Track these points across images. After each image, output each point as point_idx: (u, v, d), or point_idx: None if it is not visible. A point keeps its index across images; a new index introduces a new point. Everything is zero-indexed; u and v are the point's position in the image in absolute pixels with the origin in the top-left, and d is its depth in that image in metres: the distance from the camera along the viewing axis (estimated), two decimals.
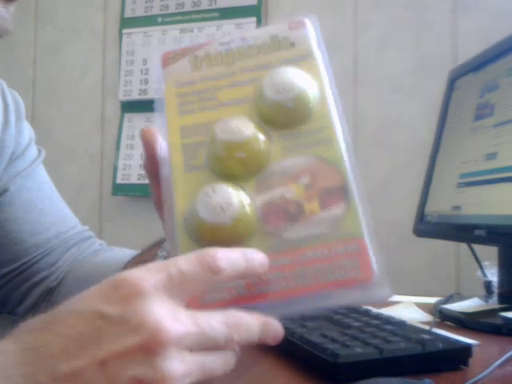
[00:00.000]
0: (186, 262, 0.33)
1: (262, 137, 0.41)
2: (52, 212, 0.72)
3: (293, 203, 0.39)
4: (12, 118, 0.71)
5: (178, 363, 0.30)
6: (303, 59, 0.45)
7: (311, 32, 0.47)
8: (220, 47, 0.46)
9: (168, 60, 0.47)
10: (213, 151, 0.41)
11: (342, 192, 0.39)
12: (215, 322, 0.32)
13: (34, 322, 0.32)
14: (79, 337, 0.30)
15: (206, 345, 0.32)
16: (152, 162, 0.46)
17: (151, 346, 0.29)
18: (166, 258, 0.59)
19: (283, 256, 0.37)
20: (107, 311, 0.30)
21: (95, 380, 0.29)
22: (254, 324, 0.34)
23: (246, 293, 0.36)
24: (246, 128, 0.41)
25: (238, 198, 0.38)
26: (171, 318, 0.30)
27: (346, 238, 0.38)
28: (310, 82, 0.43)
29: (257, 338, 0.34)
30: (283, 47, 0.45)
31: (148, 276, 0.32)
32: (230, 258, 0.34)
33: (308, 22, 0.47)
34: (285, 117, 0.42)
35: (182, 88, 0.45)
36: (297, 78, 0.43)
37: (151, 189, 0.49)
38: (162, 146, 0.45)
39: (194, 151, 0.42)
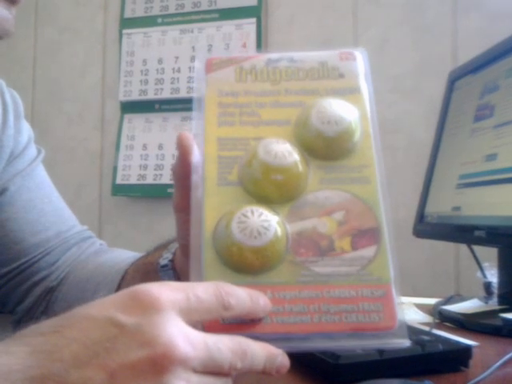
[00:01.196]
0: (203, 289, 0.33)
1: (302, 165, 0.41)
2: (52, 211, 0.72)
3: (325, 237, 0.39)
4: (11, 117, 0.71)
5: (183, 383, 0.30)
6: (350, 92, 0.45)
7: (360, 65, 0.46)
8: (267, 63, 0.46)
9: (212, 66, 0.46)
10: (251, 170, 0.40)
11: (374, 235, 0.39)
12: (224, 347, 0.32)
13: (46, 324, 0.31)
14: (91, 344, 0.29)
15: (210, 368, 0.32)
16: (183, 166, 0.45)
17: (162, 362, 0.29)
18: (170, 260, 0.59)
19: (310, 289, 0.37)
20: (122, 320, 0.30)
21: None
22: (260, 354, 0.34)
23: (267, 320, 0.36)
24: (290, 154, 0.40)
25: (274, 224, 0.38)
26: (184, 338, 0.30)
27: (374, 282, 0.37)
28: (357, 117, 0.43)
29: (261, 368, 0.34)
30: (332, 77, 0.45)
31: (167, 292, 0.32)
32: (239, 296, 0.34)
33: (358, 55, 0.47)
34: (327, 148, 0.42)
35: (224, 98, 0.44)
36: (346, 111, 0.42)
37: (175, 192, 0.48)
38: (195, 152, 0.44)
39: (230, 165, 0.41)
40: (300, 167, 0.40)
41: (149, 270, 0.60)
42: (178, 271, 0.57)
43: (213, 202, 0.40)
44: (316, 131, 0.42)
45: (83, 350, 0.29)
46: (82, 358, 0.29)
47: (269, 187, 0.40)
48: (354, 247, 0.38)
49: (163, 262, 0.58)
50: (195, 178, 0.43)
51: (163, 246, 0.61)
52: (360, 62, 0.46)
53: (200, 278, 0.37)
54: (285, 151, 0.40)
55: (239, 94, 0.44)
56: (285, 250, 0.38)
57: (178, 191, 0.47)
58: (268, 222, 0.37)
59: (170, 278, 0.57)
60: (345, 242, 0.38)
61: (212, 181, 0.41)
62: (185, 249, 0.52)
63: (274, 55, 0.46)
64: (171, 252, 0.59)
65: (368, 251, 0.38)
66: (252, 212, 0.38)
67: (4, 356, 0.29)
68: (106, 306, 0.31)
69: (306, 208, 0.40)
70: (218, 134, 0.42)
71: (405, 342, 0.36)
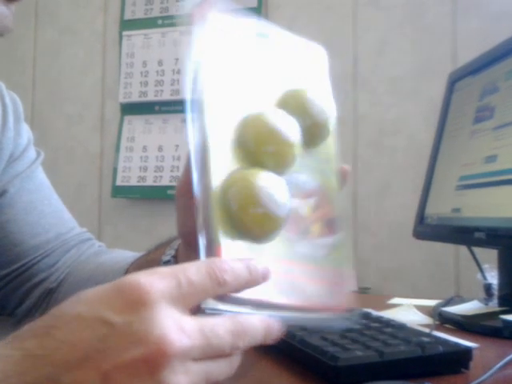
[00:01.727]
0: (195, 270, 0.32)
1: (298, 143, 0.41)
2: (51, 213, 0.72)
3: (303, 220, 0.41)
4: (10, 119, 0.71)
5: (182, 376, 0.30)
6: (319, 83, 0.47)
7: (323, 60, 0.50)
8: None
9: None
10: (250, 136, 0.40)
11: (335, 225, 0.42)
12: (222, 331, 0.32)
13: (37, 324, 0.31)
14: (82, 345, 0.29)
15: (211, 354, 0.32)
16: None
17: (156, 359, 0.29)
18: (173, 256, 0.58)
19: (292, 265, 0.39)
20: (112, 319, 0.29)
21: None
22: (259, 329, 0.34)
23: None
24: (292, 128, 0.41)
25: (289, 196, 0.39)
26: (177, 330, 0.30)
27: (336, 267, 0.41)
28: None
29: (260, 341, 0.34)
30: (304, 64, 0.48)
31: (156, 282, 0.31)
32: (235, 270, 0.34)
33: (322, 50, 0.51)
34: (310, 135, 0.43)
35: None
36: (328, 103, 0.45)
37: (181, 175, 0.49)
38: None
39: (228, 127, 0.40)
40: (297, 144, 0.41)
41: (151, 266, 0.60)
42: None
43: (216, 162, 0.39)
44: (308, 117, 0.43)
45: (74, 352, 0.29)
46: (74, 360, 0.29)
47: (264, 156, 0.40)
48: (322, 233, 0.42)
49: (166, 258, 0.58)
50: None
51: (165, 244, 0.61)
52: (322, 57, 0.50)
53: (210, 232, 0.36)
54: (289, 124, 0.41)
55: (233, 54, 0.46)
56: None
57: (185, 175, 0.48)
58: (287, 192, 0.38)
59: None
60: (316, 227, 0.41)
61: (214, 141, 0.40)
62: (186, 236, 0.52)
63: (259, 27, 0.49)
64: (174, 248, 0.58)
65: (331, 239, 0.42)
66: (278, 182, 0.38)
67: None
68: (94, 304, 0.30)
69: (292, 186, 0.40)
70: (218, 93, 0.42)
71: (349, 323, 0.41)
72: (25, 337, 0.30)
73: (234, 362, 0.34)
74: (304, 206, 0.41)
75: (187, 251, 0.54)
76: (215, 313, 0.34)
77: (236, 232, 0.37)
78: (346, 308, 0.40)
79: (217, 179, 0.38)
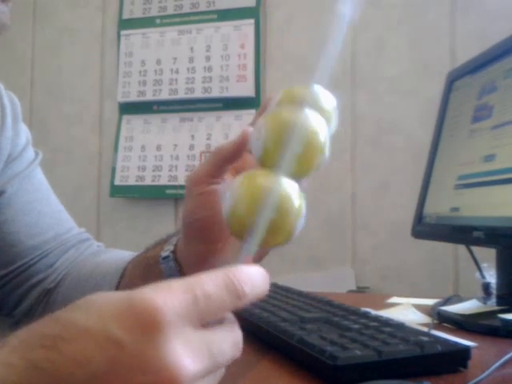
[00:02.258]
0: (212, 284, 0.31)
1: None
2: (50, 214, 0.72)
3: None
4: (9, 119, 0.71)
5: None
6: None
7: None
8: None
9: None
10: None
11: None
12: (227, 348, 0.31)
13: (44, 332, 0.29)
14: (89, 365, 0.28)
15: (217, 368, 0.32)
16: (239, 151, 0.47)
17: None
18: (172, 251, 0.58)
19: None
20: (123, 340, 0.28)
21: None
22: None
23: None
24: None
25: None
26: (189, 355, 0.29)
27: None
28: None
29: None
30: None
31: (170, 301, 0.29)
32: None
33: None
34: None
35: None
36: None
37: (209, 162, 0.49)
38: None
39: None
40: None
41: (149, 263, 0.60)
42: (179, 262, 0.57)
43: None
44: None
45: (80, 372, 0.28)
46: (79, 380, 0.28)
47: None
48: None
49: (164, 254, 0.58)
50: None
51: (164, 241, 0.61)
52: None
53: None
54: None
55: None
56: None
57: (214, 166, 0.49)
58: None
59: (171, 269, 0.56)
60: None
61: None
62: (191, 225, 0.52)
63: None
64: (173, 244, 0.58)
65: None
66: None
67: (2, 368, 0.28)
68: (104, 319, 0.29)
69: None
70: None
71: None
72: (32, 346, 0.29)
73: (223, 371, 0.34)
74: None
75: (188, 245, 0.54)
76: None
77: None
78: None
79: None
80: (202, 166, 0.50)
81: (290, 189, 0.36)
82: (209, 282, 0.31)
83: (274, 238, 0.36)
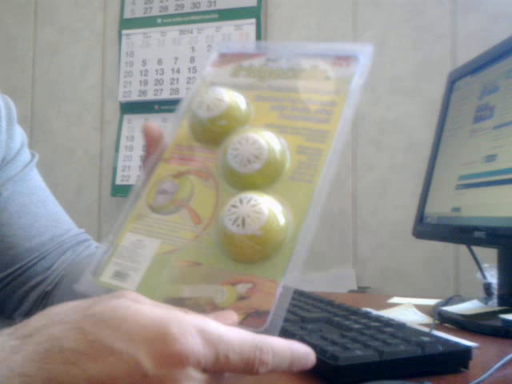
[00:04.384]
0: (238, 348, 0.31)
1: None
2: (46, 216, 0.71)
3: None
4: (3, 123, 0.71)
5: None
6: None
7: (353, 71, 0.45)
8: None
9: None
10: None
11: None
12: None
13: (65, 342, 0.29)
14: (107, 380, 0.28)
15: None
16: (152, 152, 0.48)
17: None
18: None
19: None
20: (149, 371, 0.28)
21: None
22: (286, 356, 0.34)
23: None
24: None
25: (267, 205, 0.40)
26: None
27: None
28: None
29: (286, 368, 0.34)
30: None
31: (196, 347, 0.30)
32: (279, 354, 0.33)
33: (355, 60, 0.46)
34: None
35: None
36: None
37: (142, 174, 0.49)
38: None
39: None
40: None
41: None
42: None
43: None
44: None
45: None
46: None
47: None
48: (244, 323, 0.38)
49: None
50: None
51: None
52: (353, 68, 0.46)
53: None
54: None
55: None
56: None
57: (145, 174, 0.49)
58: (259, 205, 0.39)
59: None
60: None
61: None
62: None
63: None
64: None
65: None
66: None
67: (19, 379, 0.28)
68: (134, 344, 0.29)
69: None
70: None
71: None
72: (52, 359, 0.28)
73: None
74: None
75: None
76: None
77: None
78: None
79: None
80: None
81: (275, 209, 0.39)
82: (236, 346, 0.31)
83: (262, 252, 0.38)
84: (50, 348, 0.29)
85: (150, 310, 0.31)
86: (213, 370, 0.31)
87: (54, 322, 0.30)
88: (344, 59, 0.47)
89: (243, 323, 0.37)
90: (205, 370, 0.31)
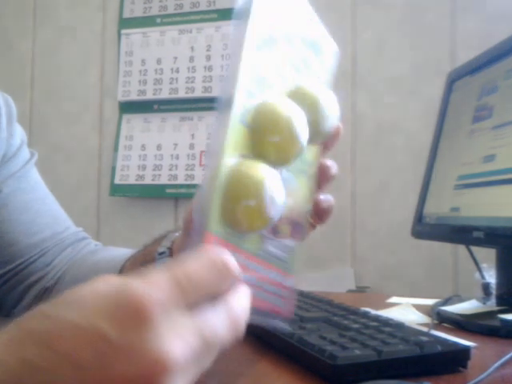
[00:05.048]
0: (193, 263, 0.32)
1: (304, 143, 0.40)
2: (46, 213, 0.72)
3: (280, 219, 0.39)
4: (3, 121, 0.71)
5: (182, 381, 0.30)
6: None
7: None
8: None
9: None
10: (262, 123, 0.38)
11: (302, 231, 0.42)
12: (221, 328, 0.31)
13: (34, 327, 0.30)
14: (82, 361, 0.29)
15: (210, 349, 0.31)
16: None
17: (153, 378, 0.28)
18: (169, 247, 0.58)
19: (260, 264, 0.39)
20: (111, 335, 0.29)
21: None
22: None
23: None
24: (304, 128, 0.39)
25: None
26: (178, 343, 0.29)
27: (291, 273, 0.41)
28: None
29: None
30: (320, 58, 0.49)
31: (153, 291, 0.30)
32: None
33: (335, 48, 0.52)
34: (314, 136, 0.42)
35: (269, 29, 0.41)
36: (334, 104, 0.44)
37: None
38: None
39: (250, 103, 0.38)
40: (303, 143, 0.39)
41: (147, 260, 0.60)
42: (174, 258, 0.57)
43: (233, 140, 0.37)
44: (317, 121, 0.43)
45: (75, 369, 0.28)
46: (75, 377, 0.28)
47: (268, 147, 0.38)
48: (290, 235, 0.41)
49: (161, 249, 0.58)
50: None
51: (162, 238, 0.61)
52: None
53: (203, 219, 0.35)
54: (302, 123, 0.39)
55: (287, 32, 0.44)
56: None
57: None
58: (283, 193, 0.37)
59: None
60: (286, 227, 0.41)
61: (236, 115, 0.37)
62: (189, 224, 0.51)
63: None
64: (170, 240, 0.58)
65: (294, 243, 0.41)
66: (279, 186, 0.37)
67: None
68: (91, 314, 0.29)
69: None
70: (254, 60, 0.39)
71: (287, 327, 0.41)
72: (23, 342, 0.29)
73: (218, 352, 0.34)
74: None
75: (186, 241, 0.54)
76: None
77: (226, 222, 0.36)
78: (292, 314, 0.42)
79: (224, 166, 0.36)
80: None
81: (270, 175, 0.36)
82: (189, 262, 0.31)
83: (251, 224, 0.36)
84: (20, 332, 0.30)
85: (106, 283, 0.31)
86: (186, 299, 0.31)
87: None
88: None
89: (290, 233, 0.40)
90: (178, 308, 0.30)
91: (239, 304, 0.33)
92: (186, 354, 0.29)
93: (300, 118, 0.39)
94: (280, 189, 0.37)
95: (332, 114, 0.44)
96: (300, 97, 0.42)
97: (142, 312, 0.29)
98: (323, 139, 0.45)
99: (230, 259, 0.33)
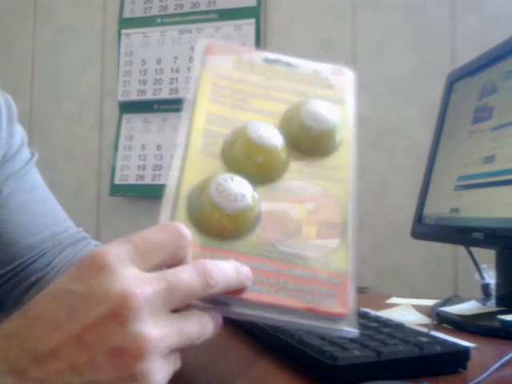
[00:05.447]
0: (151, 231, 0.35)
1: (284, 151, 0.43)
2: (46, 213, 0.72)
3: (293, 222, 0.41)
4: (4, 120, 0.71)
5: (152, 326, 0.31)
6: (336, 103, 0.48)
7: (349, 82, 0.50)
8: (265, 60, 0.48)
9: (214, 49, 0.48)
10: (236, 147, 0.42)
11: (339, 229, 0.42)
12: (186, 274, 0.33)
13: (18, 311, 0.33)
14: (53, 317, 0.31)
15: (181, 298, 0.32)
16: None
17: (121, 313, 0.30)
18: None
19: (272, 264, 0.39)
20: (75, 288, 0.31)
21: (75, 356, 0.30)
22: (229, 272, 0.35)
23: None
24: (275, 136, 0.43)
25: (251, 195, 0.40)
26: (136, 282, 0.31)
27: (333, 270, 0.40)
28: (341, 121, 0.46)
29: (234, 286, 0.35)
30: (322, 86, 0.49)
31: (112, 248, 0.33)
32: (221, 269, 0.34)
33: (348, 73, 0.51)
34: (311, 145, 0.44)
35: (219, 80, 0.47)
36: (332, 113, 0.46)
37: None
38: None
39: (214, 139, 0.43)
40: (281, 152, 0.43)
41: None
42: None
43: (193, 166, 0.41)
44: (302, 126, 0.44)
45: (46, 325, 0.31)
46: (47, 332, 0.30)
47: (249, 167, 0.42)
48: (319, 236, 0.41)
49: None
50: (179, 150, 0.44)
51: None
52: (349, 79, 0.50)
53: None
54: (271, 133, 0.43)
55: (234, 80, 0.47)
56: (255, 223, 0.40)
57: None
58: (246, 190, 0.39)
59: None
60: (311, 229, 0.41)
61: (196, 148, 0.42)
62: None
63: (271, 55, 0.49)
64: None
65: (331, 242, 0.41)
66: (232, 178, 0.40)
67: None
68: (60, 280, 0.32)
69: (281, 192, 0.42)
70: (208, 109, 0.45)
71: (353, 332, 0.38)
72: (4, 322, 0.32)
73: (207, 322, 0.35)
74: (295, 209, 0.41)
75: None
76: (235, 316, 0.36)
77: (197, 230, 0.38)
78: (347, 313, 0.39)
79: (189, 180, 0.40)
80: None
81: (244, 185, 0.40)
82: (148, 230, 0.35)
83: (229, 233, 0.39)
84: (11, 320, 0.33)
85: None
86: (142, 259, 0.33)
87: None
88: (339, 70, 0.51)
89: (318, 235, 0.40)
90: (135, 265, 0.33)
91: (207, 262, 0.35)
92: (147, 291, 0.31)
93: (273, 137, 0.42)
94: (236, 188, 0.39)
95: (329, 118, 0.45)
96: (288, 113, 0.45)
97: (99, 262, 0.31)
98: (335, 142, 0.46)
99: (180, 225, 0.35)
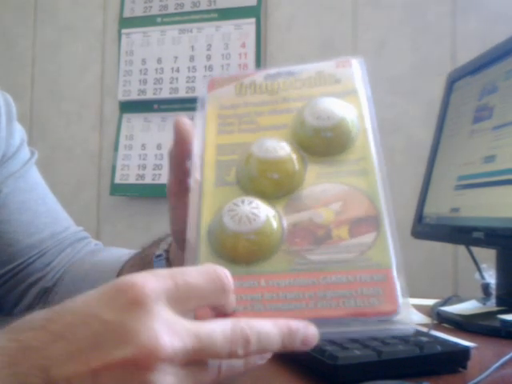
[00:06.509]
0: (194, 273, 0.32)
1: (296, 158, 0.42)
2: (46, 213, 0.72)
3: (321, 227, 0.39)
4: (3, 120, 0.71)
5: (171, 378, 0.29)
6: (347, 94, 0.46)
7: (357, 71, 0.48)
8: (266, 78, 0.48)
9: (214, 85, 0.49)
10: (247, 169, 0.42)
11: (373, 222, 0.39)
12: (220, 338, 0.31)
13: (35, 317, 0.31)
14: (75, 340, 0.29)
15: (205, 357, 0.31)
16: (180, 151, 0.46)
17: (145, 361, 0.28)
18: (166, 250, 0.59)
19: (305, 276, 0.37)
20: (106, 317, 0.29)
21: None
22: (272, 333, 0.32)
23: (260, 308, 0.36)
24: (281, 148, 0.42)
25: (265, 212, 0.38)
26: (169, 332, 0.29)
27: (373, 267, 0.37)
28: (351, 112, 0.45)
29: (279, 346, 0.33)
30: (328, 83, 0.47)
31: (153, 282, 0.30)
32: (264, 332, 0.32)
33: (354, 62, 0.49)
34: (323, 144, 0.43)
35: (224, 110, 0.46)
36: (337, 106, 0.44)
37: (169, 175, 0.49)
38: (193, 137, 0.46)
39: (228, 167, 0.43)
40: (294, 160, 0.42)
41: (145, 262, 0.61)
42: (170, 261, 0.57)
43: (209, 201, 0.41)
44: (310, 127, 0.43)
45: (67, 347, 0.29)
46: (66, 354, 0.29)
47: (264, 182, 0.41)
48: (352, 234, 0.38)
49: (158, 252, 0.59)
50: (193, 181, 0.43)
51: (160, 240, 0.61)
52: (356, 68, 0.48)
53: None
54: (276, 146, 0.42)
55: (239, 106, 0.46)
56: (279, 241, 0.38)
57: (173, 175, 0.49)
58: (258, 209, 0.38)
59: (161, 268, 0.57)
60: (342, 230, 0.39)
61: (210, 182, 0.42)
62: (176, 234, 0.53)
63: (272, 70, 0.48)
64: (168, 243, 0.59)
65: (367, 238, 0.38)
66: (242, 201, 0.39)
67: None
68: (91, 301, 0.31)
69: (302, 201, 0.40)
70: (218, 141, 0.44)
71: (408, 327, 0.36)
72: (21, 329, 0.30)
73: (224, 369, 0.33)
74: (321, 214, 0.40)
75: (176, 244, 0.55)
76: None
77: (223, 261, 0.38)
78: (398, 309, 0.37)
79: (207, 215, 0.40)
80: (169, 175, 0.50)
81: (269, 213, 0.39)
82: (191, 272, 0.32)
83: (254, 256, 0.38)
84: (20, 322, 0.31)
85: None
86: (180, 302, 0.31)
87: None
88: (344, 61, 0.49)
89: (350, 234, 0.38)
90: (172, 306, 0.31)
91: (248, 320, 0.32)
92: (176, 346, 0.29)
93: (282, 150, 0.42)
94: (248, 210, 0.38)
95: (334, 113, 0.44)
96: (294, 119, 0.45)
97: (137, 296, 0.30)
98: (348, 136, 0.45)
99: (223, 271, 0.33)
